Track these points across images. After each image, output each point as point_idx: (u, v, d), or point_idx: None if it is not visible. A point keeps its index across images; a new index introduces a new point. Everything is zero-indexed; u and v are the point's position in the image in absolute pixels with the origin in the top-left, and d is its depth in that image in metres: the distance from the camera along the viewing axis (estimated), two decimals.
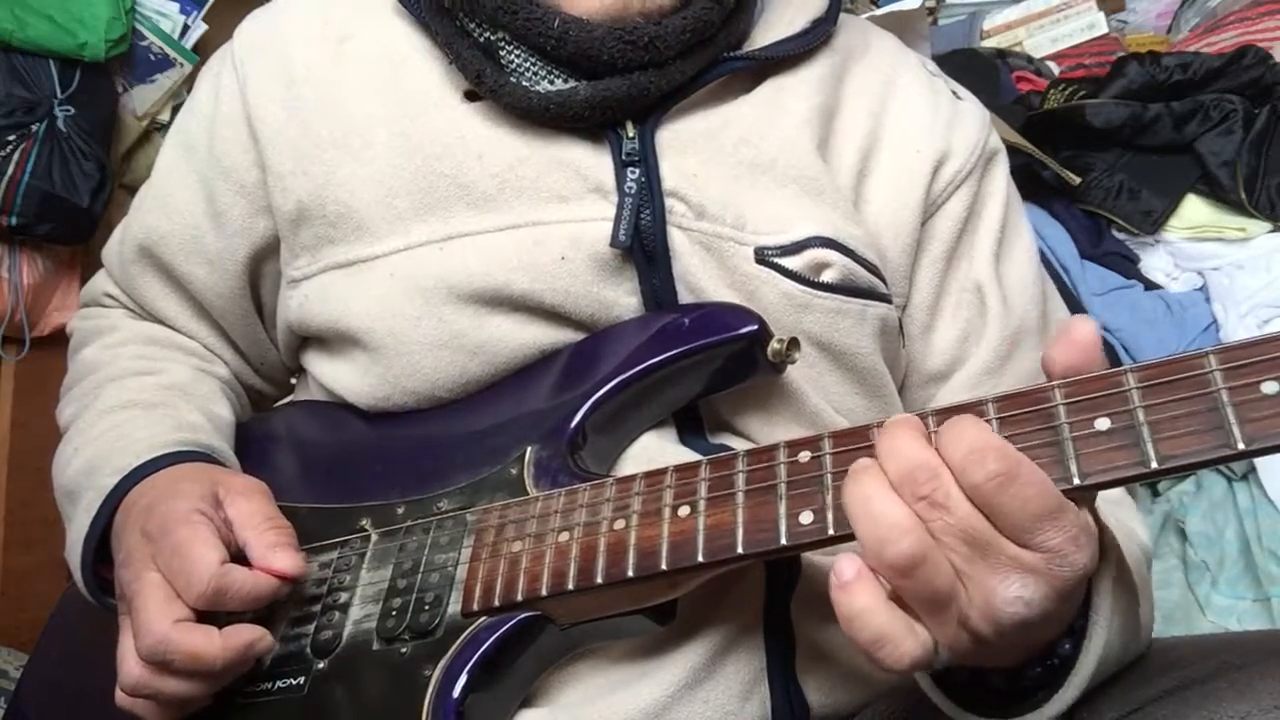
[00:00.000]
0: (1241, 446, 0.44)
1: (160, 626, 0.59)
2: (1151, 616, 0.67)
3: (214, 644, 0.59)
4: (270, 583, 0.62)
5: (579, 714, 0.62)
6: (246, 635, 0.61)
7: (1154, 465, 0.46)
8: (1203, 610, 1.54)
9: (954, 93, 0.83)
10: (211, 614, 0.61)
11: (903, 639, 0.47)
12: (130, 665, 0.61)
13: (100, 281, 0.90)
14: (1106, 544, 0.54)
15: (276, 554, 0.63)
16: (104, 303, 0.89)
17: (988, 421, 0.50)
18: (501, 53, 0.72)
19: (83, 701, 0.76)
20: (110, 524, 0.69)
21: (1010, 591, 0.47)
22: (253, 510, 0.65)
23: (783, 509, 0.53)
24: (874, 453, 0.50)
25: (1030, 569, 0.47)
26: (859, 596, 0.48)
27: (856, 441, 0.53)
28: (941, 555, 0.47)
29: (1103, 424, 0.47)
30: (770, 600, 0.66)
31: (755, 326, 0.66)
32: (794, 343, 0.67)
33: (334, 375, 0.76)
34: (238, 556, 0.63)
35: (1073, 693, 0.53)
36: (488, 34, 0.72)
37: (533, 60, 0.72)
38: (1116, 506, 0.73)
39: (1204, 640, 0.68)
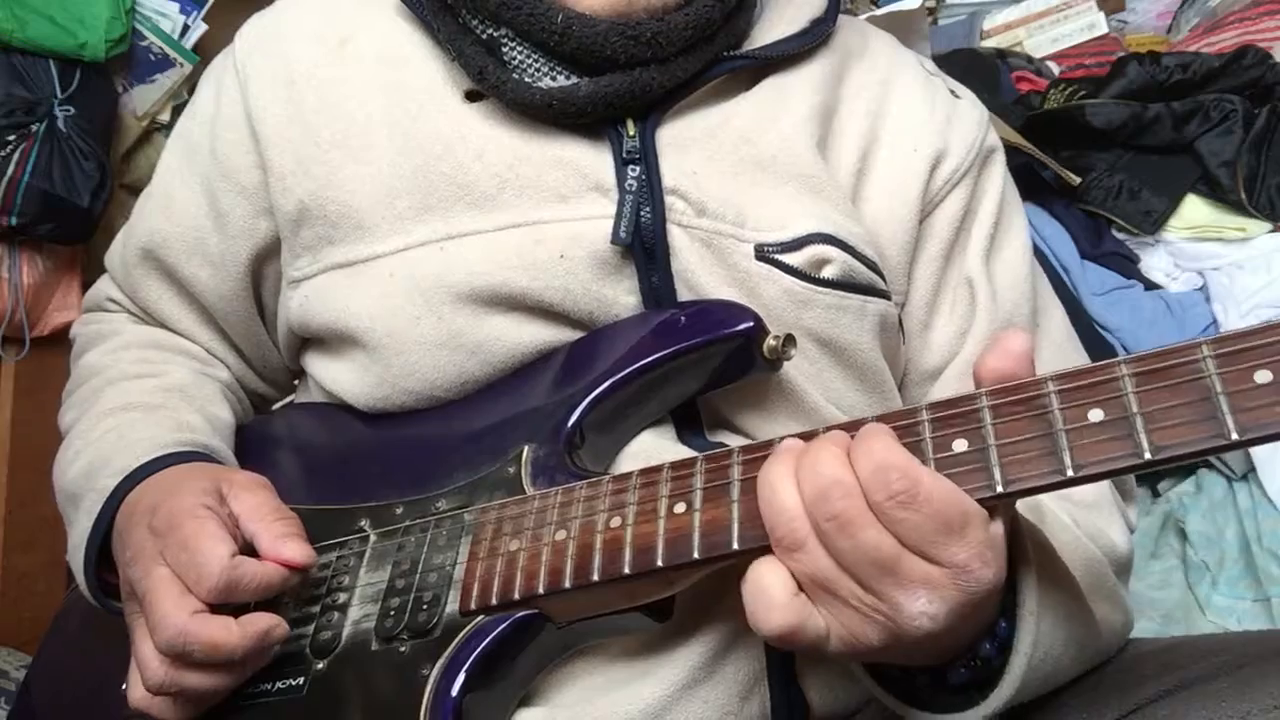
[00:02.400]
0: (1235, 436, 0.44)
1: (178, 619, 0.59)
2: (1121, 617, 0.67)
3: (233, 633, 0.60)
4: (280, 573, 0.62)
5: (578, 713, 0.62)
6: (264, 623, 0.61)
7: (1148, 455, 0.46)
8: (1203, 610, 1.54)
9: (952, 91, 0.83)
10: (220, 609, 0.61)
11: (776, 603, 0.50)
12: (152, 663, 0.61)
13: (103, 286, 0.90)
14: (1036, 544, 0.56)
15: (286, 544, 0.63)
16: (107, 307, 0.89)
17: (979, 413, 0.50)
18: (504, 49, 0.72)
19: (90, 701, 0.76)
20: (112, 525, 0.69)
21: (915, 607, 0.48)
22: (258, 503, 0.65)
23: None
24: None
25: (936, 584, 0.48)
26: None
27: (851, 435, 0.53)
28: (819, 548, 0.49)
29: (1096, 415, 0.47)
30: None
31: (751, 323, 0.66)
32: (790, 339, 0.67)
33: (333, 376, 0.76)
34: (245, 550, 0.63)
35: (1008, 690, 0.55)
36: (490, 30, 0.73)
37: (535, 56, 0.72)
38: (1089, 510, 0.73)
39: (1204, 640, 0.68)
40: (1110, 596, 0.67)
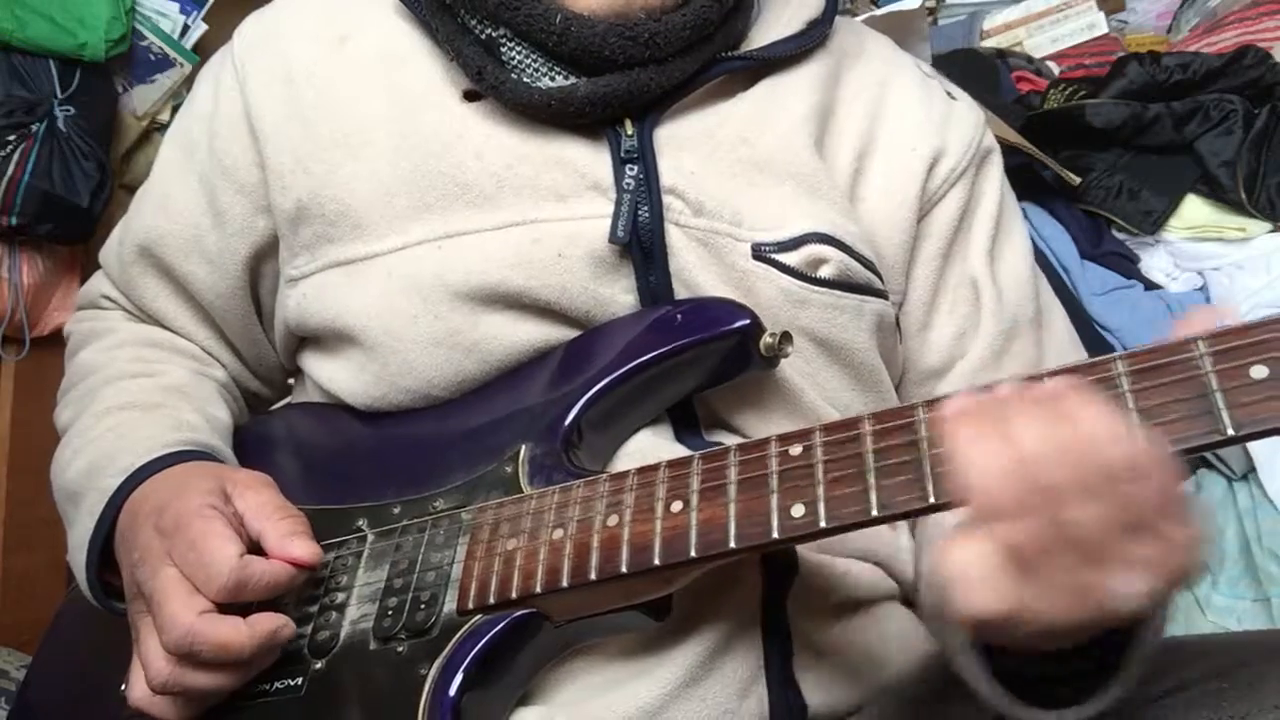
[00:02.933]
0: (1231, 432, 0.44)
1: (186, 618, 0.59)
2: None
3: (241, 633, 0.60)
4: (289, 571, 0.62)
5: (576, 712, 0.62)
6: (271, 623, 0.61)
7: None
8: (1203, 610, 1.54)
9: (948, 93, 0.83)
10: (224, 609, 0.61)
11: (989, 582, 0.45)
12: (157, 662, 0.61)
13: (98, 283, 0.90)
14: None
15: (293, 542, 0.63)
16: (102, 305, 0.89)
17: None
18: (503, 49, 0.72)
19: (89, 701, 0.76)
20: (114, 525, 0.69)
21: (1134, 585, 0.45)
22: (263, 502, 0.65)
23: (774, 502, 0.53)
24: (869, 445, 0.50)
25: (1154, 562, 0.45)
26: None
27: (847, 433, 0.53)
28: (1041, 519, 0.45)
29: None
30: (768, 599, 0.66)
31: (747, 321, 0.66)
32: (786, 337, 0.67)
33: (330, 375, 0.76)
34: (251, 549, 0.63)
35: (1122, 686, 0.52)
36: (489, 30, 0.73)
37: (534, 57, 0.72)
38: None
39: (1204, 640, 0.68)
40: None
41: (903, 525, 0.75)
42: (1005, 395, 0.47)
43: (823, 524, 0.52)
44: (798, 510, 0.52)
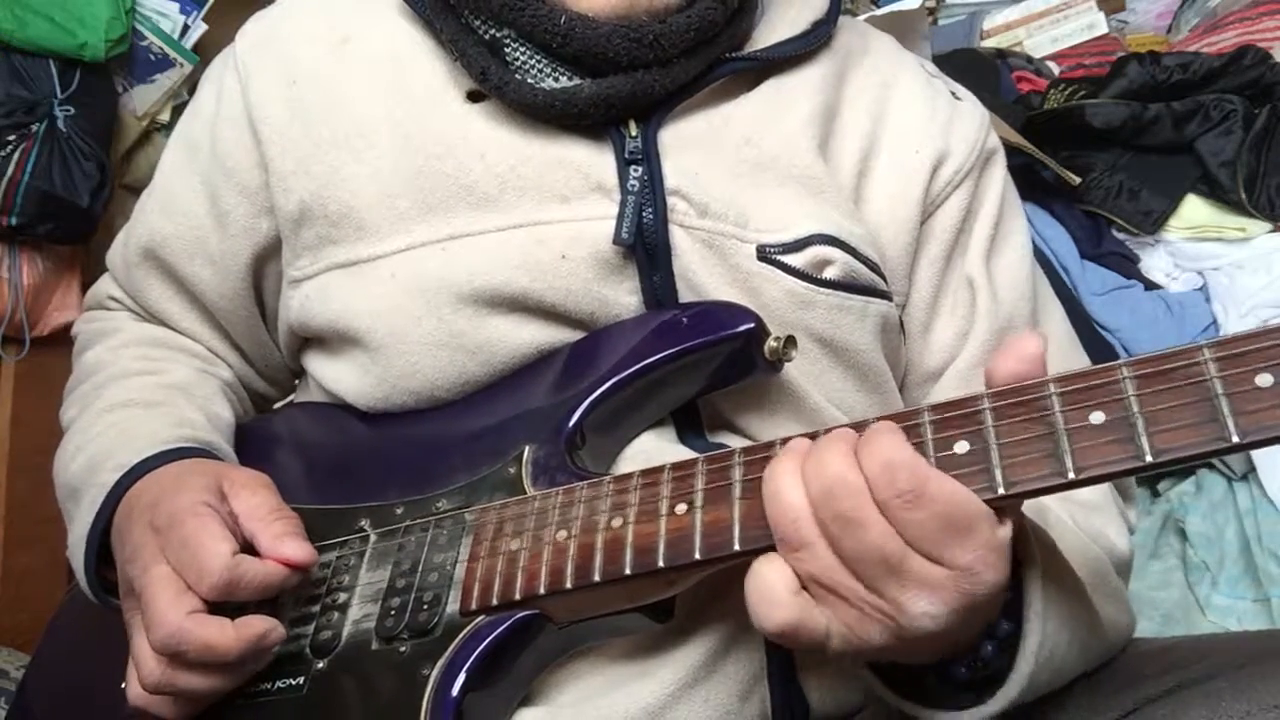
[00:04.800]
0: (1236, 439, 0.44)
1: (173, 618, 0.59)
2: (1125, 617, 0.67)
3: (228, 635, 0.59)
4: (281, 571, 0.62)
5: (578, 712, 0.62)
6: (260, 626, 0.61)
7: (1149, 459, 0.46)
8: (1203, 610, 1.54)
9: (953, 93, 0.83)
10: (217, 609, 0.61)
11: (778, 601, 0.50)
12: (149, 662, 0.61)
13: (104, 285, 0.90)
14: (1041, 544, 0.56)
15: (285, 543, 0.63)
16: (108, 305, 0.89)
17: (981, 415, 0.50)
18: (506, 50, 0.72)
19: (88, 701, 0.76)
20: (112, 521, 0.68)
21: (918, 607, 0.49)
22: (258, 502, 0.65)
23: None
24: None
25: (938, 585, 0.48)
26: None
27: None
28: (824, 546, 0.49)
29: (1097, 418, 0.47)
30: None
31: (752, 324, 0.66)
32: (791, 340, 0.67)
33: (334, 376, 0.76)
34: (245, 549, 0.63)
35: (1015, 689, 0.55)
36: (493, 31, 0.73)
37: (538, 57, 0.72)
38: (1090, 511, 0.73)
39: (1204, 640, 0.68)
40: (1114, 596, 0.67)
41: None
42: (825, 438, 0.51)
43: None
44: None
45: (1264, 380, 0.45)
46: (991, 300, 0.77)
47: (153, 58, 1.93)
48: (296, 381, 0.89)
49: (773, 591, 0.50)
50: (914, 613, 0.49)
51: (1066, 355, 0.81)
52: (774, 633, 0.50)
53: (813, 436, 0.53)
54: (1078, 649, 0.59)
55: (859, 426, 0.52)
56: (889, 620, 0.49)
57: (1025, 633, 0.55)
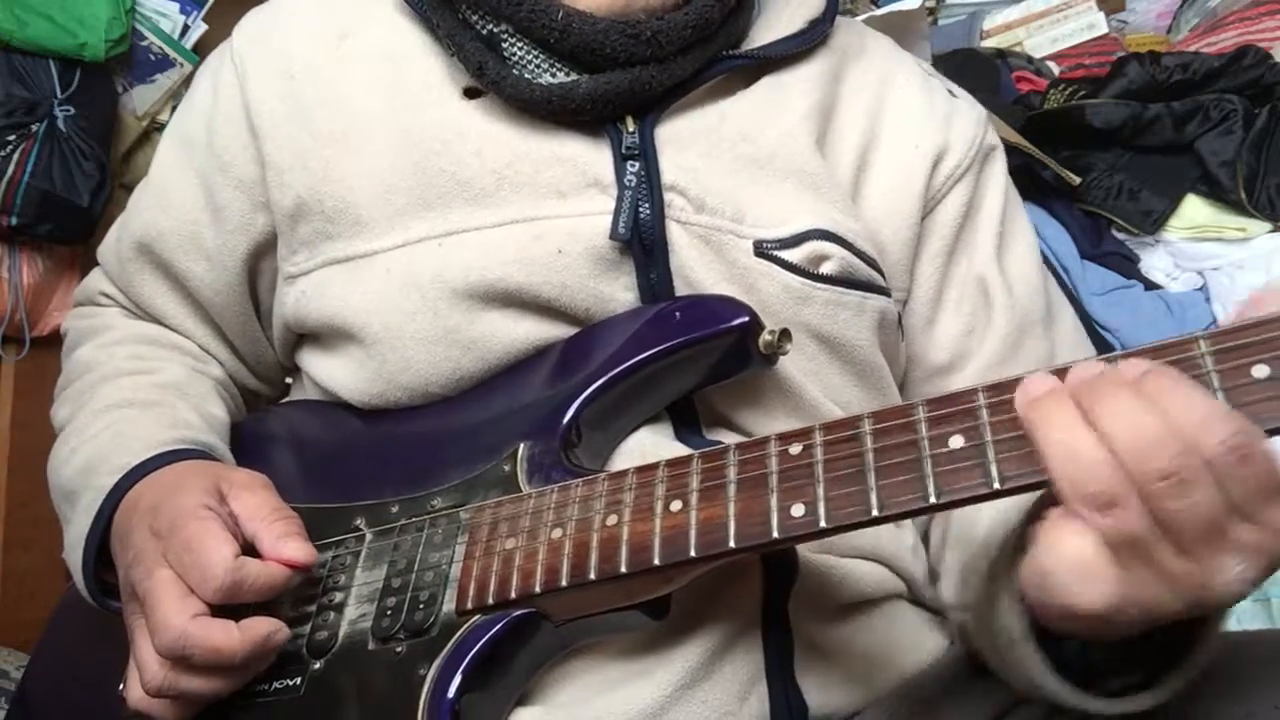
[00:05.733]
0: None
1: (178, 621, 0.59)
2: None
3: (233, 637, 0.59)
4: (283, 572, 0.62)
5: (575, 713, 0.62)
6: (264, 627, 0.61)
7: None
8: None
9: (949, 91, 0.83)
10: (218, 610, 0.61)
11: (1099, 574, 0.44)
12: (151, 665, 0.60)
13: (95, 280, 0.89)
14: None
15: (287, 544, 0.63)
16: (99, 301, 0.89)
17: (976, 410, 0.49)
18: (504, 45, 0.72)
19: (88, 701, 0.75)
20: (110, 524, 0.68)
21: (1234, 572, 0.44)
22: (258, 503, 0.65)
23: (774, 502, 0.53)
24: (869, 444, 0.49)
25: (1255, 549, 0.44)
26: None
27: (847, 432, 0.53)
28: (1139, 507, 0.43)
29: None
30: (769, 599, 0.65)
31: (746, 318, 0.66)
32: (785, 334, 0.67)
33: (328, 372, 0.76)
34: (246, 550, 0.63)
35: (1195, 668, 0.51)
36: (490, 26, 0.73)
37: (535, 53, 0.72)
38: None
39: None
40: None
41: (907, 522, 0.75)
42: (1085, 378, 0.45)
43: (823, 524, 0.51)
44: (798, 510, 0.52)
45: (1260, 372, 0.44)
46: (1007, 296, 0.77)
47: (153, 58, 1.94)
48: (288, 380, 0.89)
49: (1091, 565, 0.44)
50: (1228, 578, 0.44)
51: (1078, 351, 0.82)
52: (1101, 613, 0.45)
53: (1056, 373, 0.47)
54: None
55: (1060, 372, 0.47)
56: (1198, 586, 0.44)
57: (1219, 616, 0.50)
